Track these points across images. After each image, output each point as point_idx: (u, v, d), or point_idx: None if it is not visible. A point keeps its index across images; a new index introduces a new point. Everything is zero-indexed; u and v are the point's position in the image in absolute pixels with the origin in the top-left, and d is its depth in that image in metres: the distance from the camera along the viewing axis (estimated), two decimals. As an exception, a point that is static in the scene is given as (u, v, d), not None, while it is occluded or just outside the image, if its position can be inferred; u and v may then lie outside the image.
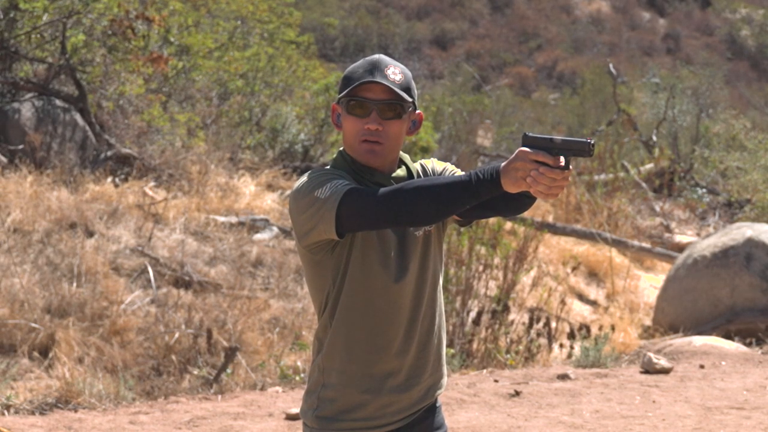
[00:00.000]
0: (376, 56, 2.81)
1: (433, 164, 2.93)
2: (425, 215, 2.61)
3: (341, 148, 2.87)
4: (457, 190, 2.58)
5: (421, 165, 2.93)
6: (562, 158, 2.53)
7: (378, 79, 2.74)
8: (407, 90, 2.79)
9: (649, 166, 18.42)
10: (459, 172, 2.88)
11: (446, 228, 2.91)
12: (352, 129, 2.77)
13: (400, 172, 2.85)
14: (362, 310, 2.78)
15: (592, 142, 2.53)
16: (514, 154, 2.55)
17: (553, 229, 12.76)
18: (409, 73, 2.83)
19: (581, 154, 2.53)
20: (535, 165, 2.52)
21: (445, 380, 2.91)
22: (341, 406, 2.82)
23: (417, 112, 2.85)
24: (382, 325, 2.79)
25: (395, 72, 2.78)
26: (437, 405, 2.94)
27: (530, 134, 2.58)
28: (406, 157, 2.89)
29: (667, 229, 15.20)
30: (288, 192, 12.67)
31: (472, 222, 2.90)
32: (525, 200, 2.70)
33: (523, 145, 2.56)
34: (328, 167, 2.85)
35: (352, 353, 2.80)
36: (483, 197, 2.59)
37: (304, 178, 2.78)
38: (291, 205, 2.78)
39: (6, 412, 6.69)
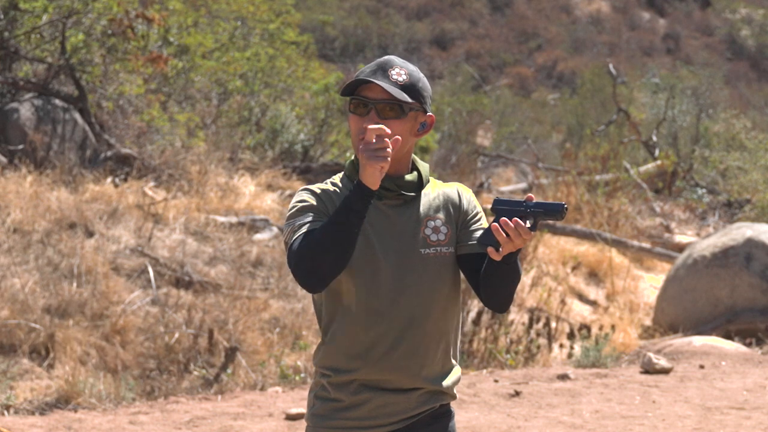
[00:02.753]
0: (386, 57, 2.84)
1: (470, 199, 2.91)
2: (333, 249, 2.65)
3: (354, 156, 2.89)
4: (336, 214, 2.65)
5: (458, 192, 2.90)
6: (528, 221, 2.65)
7: (375, 80, 2.76)
8: (410, 91, 2.78)
9: (649, 166, 18.42)
10: (484, 218, 2.88)
11: (451, 244, 2.85)
12: (353, 127, 2.80)
13: (409, 177, 2.83)
14: (360, 314, 2.77)
15: (566, 205, 2.66)
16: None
17: (553, 229, 12.76)
18: (418, 75, 2.83)
19: (554, 216, 2.66)
20: (373, 137, 2.62)
21: (453, 389, 2.87)
22: (335, 405, 2.81)
23: (428, 114, 2.84)
24: (380, 330, 2.77)
25: (399, 73, 2.79)
26: (448, 411, 2.89)
27: (500, 198, 2.73)
28: (423, 165, 2.87)
29: (667, 229, 15.20)
30: (288, 192, 12.67)
31: (502, 305, 2.86)
32: (507, 265, 2.72)
33: (493, 208, 2.69)
34: (330, 180, 2.86)
35: (348, 355, 2.79)
36: (357, 205, 2.64)
37: (293, 200, 2.82)
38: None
39: (6, 412, 6.69)
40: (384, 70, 2.79)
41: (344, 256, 2.66)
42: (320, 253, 2.64)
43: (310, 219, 2.74)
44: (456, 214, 2.86)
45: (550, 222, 13.26)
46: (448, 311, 2.84)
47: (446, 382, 2.84)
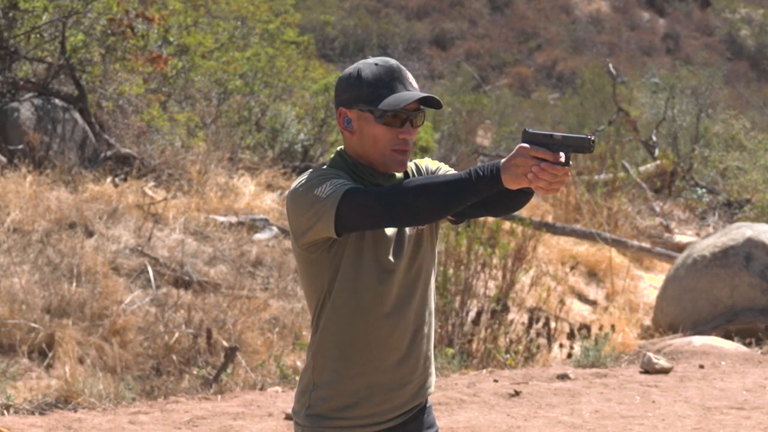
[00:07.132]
0: (393, 63, 2.80)
1: (427, 163, 2.94)
2: (425, 214, 2.62)
3: (339, 148, 2.85)
4: (457, 188, 2.59)
5: (415, 164, 2.93)
6: (562, 154, 2.55)
7: (420, 93, 2.76)
8: None
9: (649, 166, 18.42)
10: (452, 171, 2.89)
11: (439, 227, 2.91)
12: (384, 137, 2.76)
13: (399, 174, 2.85)
14: (354, 308, 2.78)
15: (593, 138, 2.57)
16: (514, 151, 2.57)
17: (553, 229, 12.75)
18: None
19: (582, 150, 2.56)
20: (536, 161, 2.53)
21: (434, 379, 2.91)
22: (334, 404, 2.81)
23: None
24: (374, 324, 2.78)
25: (411, 79, 2.81)
26: (428, 405, 2.94)
27: (530, 131, 2.60)
28: None
29: (667, 229, 15.19)
30: (287, 192, 12.66)
31: (464, 221, 2.90)
32: (521, 197, 2.71)
33: (523, 142, 2.59)
34: (326, 167, 2.83)
35: (344, 352, 2.79)
36: (483, 194, 2.60)
37: (302, 177, 2.77)
38: (289, 204, 2.77)
39: (6, 412, 6.68)
40: (403, 80, 2.77)
41: (446, 212, 2.61)
42: (429, 196, 2.58)
43: (344, 180, 2.69)
44: None
45: (550, 221, 13.31)
46: (429, 291, 2.88)
47: (432, 372, 2.90)
